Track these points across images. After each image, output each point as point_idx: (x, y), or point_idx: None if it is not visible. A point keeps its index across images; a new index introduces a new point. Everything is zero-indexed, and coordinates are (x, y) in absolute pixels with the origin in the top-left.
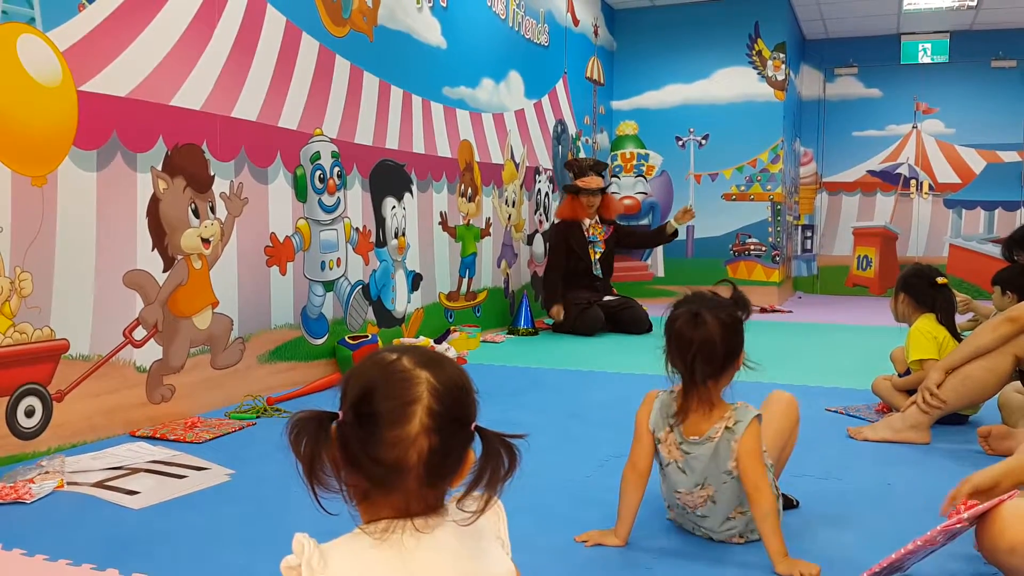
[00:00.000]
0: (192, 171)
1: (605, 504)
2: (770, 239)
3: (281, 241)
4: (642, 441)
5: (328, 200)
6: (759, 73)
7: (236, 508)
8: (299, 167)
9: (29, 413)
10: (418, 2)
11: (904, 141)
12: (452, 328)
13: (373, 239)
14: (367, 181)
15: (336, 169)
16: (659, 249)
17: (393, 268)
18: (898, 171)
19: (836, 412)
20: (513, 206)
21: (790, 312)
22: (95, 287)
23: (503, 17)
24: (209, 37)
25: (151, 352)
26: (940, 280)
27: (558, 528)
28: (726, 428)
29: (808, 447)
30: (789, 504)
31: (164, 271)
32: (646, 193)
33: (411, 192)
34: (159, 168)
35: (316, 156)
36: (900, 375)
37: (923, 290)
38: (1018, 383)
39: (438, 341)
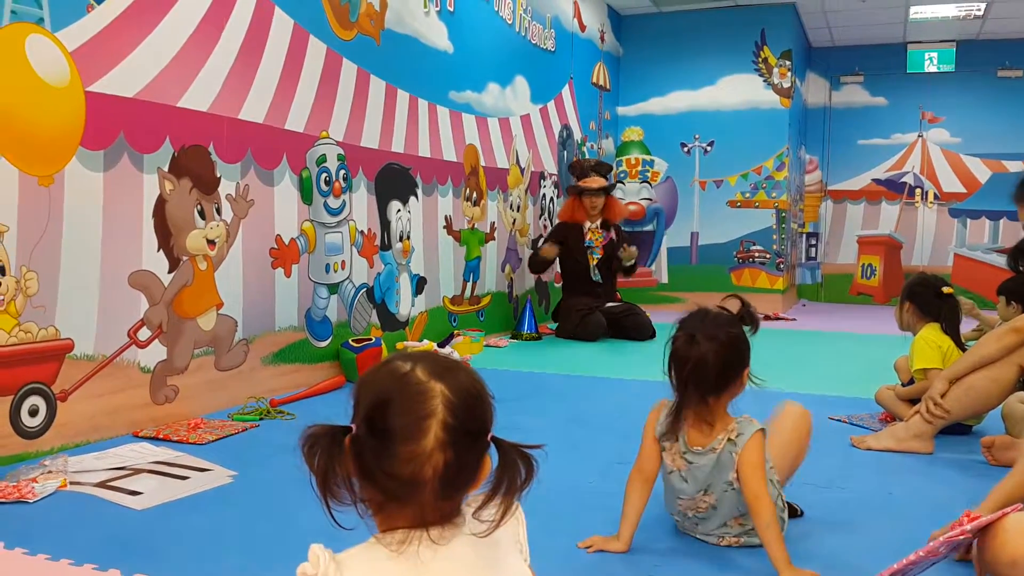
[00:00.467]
0: (198, 172)
1: (608, 510)
2: (775, 247)
3: (286, 243)
4: (648, 447)
5: (333, 203)
6: (765, 80)
7: (238, 510)
8: (305, 169)
9: (33, 412)
10: (425, 6)
11: (909, 150)
12: (456, 332)
13: (378, 242)
14: (372, 184)
15: (342, 172)
16: (663, 255)
17: (397, 271)
18: (903, 180)
19: (840, 421)
20: (518, 211)
21: (794, 320)
22: (100, 287)
23: (510, 22)
24: (217, 39)
25: (155, 353)
26: (946, 290)
27: (561, 533)
28: (728, 440)
29: (811, 456)
30: (793, 513)
31: (169, 272)
32: (651, 199)
33: (416, 196)
34: (165, 169)
35: (322, 159)
36: (904, 384)
37: (929, 299)
38: (1022, 393)
39: (441, 345)
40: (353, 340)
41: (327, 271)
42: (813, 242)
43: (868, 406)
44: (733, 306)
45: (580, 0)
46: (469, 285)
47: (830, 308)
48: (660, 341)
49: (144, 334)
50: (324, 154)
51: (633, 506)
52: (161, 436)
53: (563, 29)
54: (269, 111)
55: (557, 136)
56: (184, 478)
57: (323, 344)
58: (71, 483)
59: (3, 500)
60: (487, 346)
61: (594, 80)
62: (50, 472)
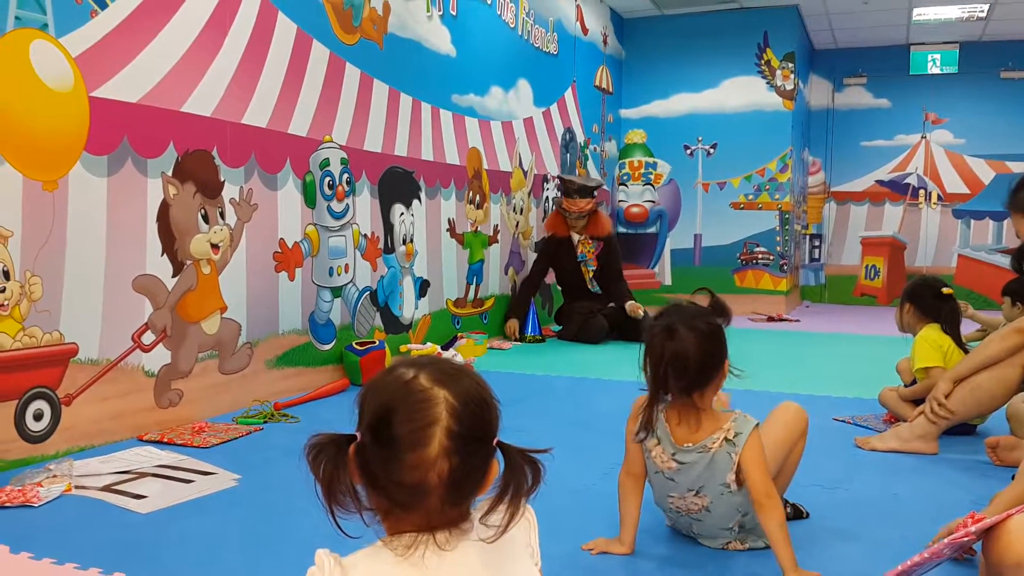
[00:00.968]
0: (202, 177)
1: (611, 512)
2: (778, 248)
3: (290, 247)
4: (633, 448)
5: (337, 206)
6: (768, 82)
7: (242, 513)
8: (308, 173)
9: (38, 417)
10: (428, 10)
11: (913, 151)
12: (459, 335)
13: (381, 245)
14: (376, 188)
15: (345, 176)
16: (667, 257)
17: (401, 274)
18: (907, 181)
19: (844, 422)
20: (521, 213)
21: (797, 321)
22: (104, 291)
23: (512, 26)
24: (220, 44)
25: (159, 357)
26: (946, 291)
27: (564, 536)
28: (725, 439)
29: (815, 457)
30: (799, 514)
31: (173, 276)
32: (654, 201)
33: (419, 199)
34: (169, 174)
35: (325, 163)
36: (906, 385)
37: (929, 301)
38: None
39: (445, 348)
40: (357, 343)
41: (331, 274)
42: (816, 243)
43: (872, 407)
44: (703, 301)
45: (583, 3)
46: (472, 288)
47: (834, 309)
48: None
49: (148, 338)
50: (327, 158)
51: (630, 508)
52: (165, 440)
53: (566, 32)
54: (273, 115)
55: (560, 139)
56: (188, 482)
57: (327, 347)
58: (76, 487)
59: (8, 504)
60: (490, 348)
61: (597, 83)
62: (55, 476)
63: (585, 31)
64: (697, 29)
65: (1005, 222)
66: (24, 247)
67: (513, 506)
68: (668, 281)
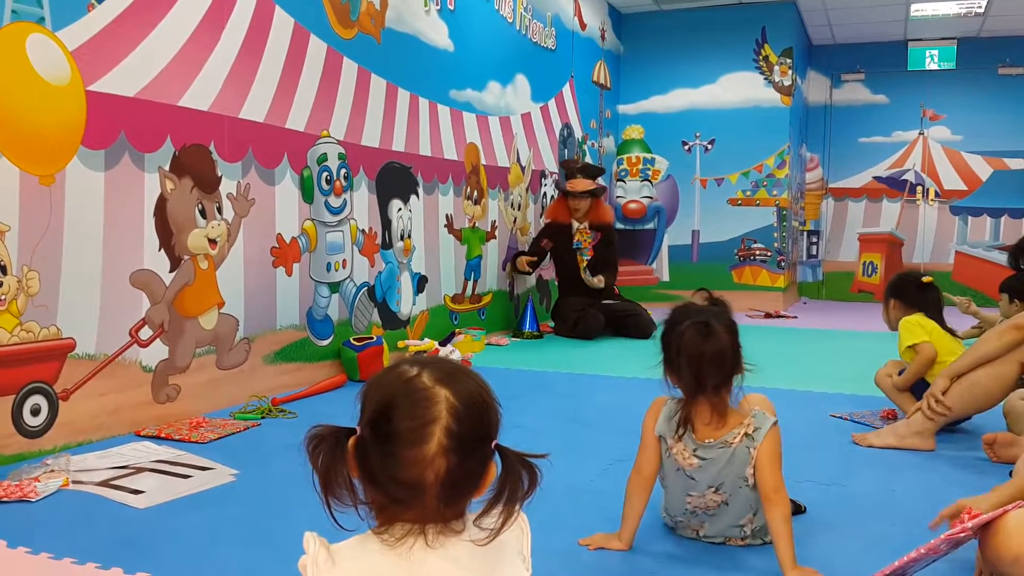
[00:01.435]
0: (199, 171)
1: (608, 508)
2: (776, 244)
3: (287, 242)
4: (648, 447)
5: (334, 202)
6: (766, 78)
7: (240, 508)
8: (306, 168)
9: (35, 412)
10: (426, 5)
11: (911, 147)
12: (457, 331)
13: (379, 241)
14: (373, 183)
15: (343, 171)
16: (664, 253)
17: (399, 270)
18: (904, 177)
19: (841, 418)
20: (519, 209)
21: (795, 318)
22: (102, 286)
23: (510, 20)
24: (217, 38)
25: (157, 352)
26: (926, 279)
27: (561, 532)
28: (745, 435)
29: (812, 453)
30: (797, 509)
31: (171, 271)
32: (652, 197)
33: (417, 194)
34: (166, 168)
35: (323, 158)
36: (898, 373)
37: (912, 292)
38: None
39: (443, 343)
40: (354, 339)
41: (328, 270)
42: (814, 240)
43: (869, 403)
44: (701, 300)
45: None
46: (470, 284)
47: (831, 306)
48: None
49: (146, 333)
50: (325, 153)
51: (634, 507)
52: (163, 435)
53: (564, 27)
54: (270, 110)
55: (558, 134)
56: (186, 477)
57: (324, 343)
58: (73, 482)
59: (6, 499)
60: (488, 345)
61: (595, 78)
62: (52, 471)
63: (583, 26)
64: (695, 24)
65: (1002, 218)
66: (21, 242)
67: (507, 510)
68: (666, 277)
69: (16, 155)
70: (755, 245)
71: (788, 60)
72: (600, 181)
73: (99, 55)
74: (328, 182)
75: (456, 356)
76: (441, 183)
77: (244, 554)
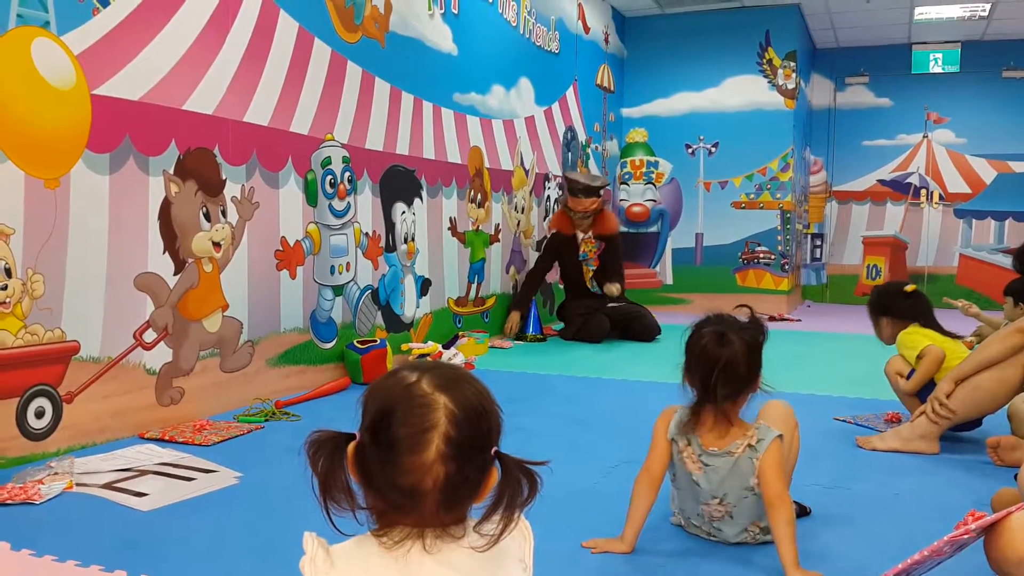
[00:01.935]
0: (204, 175)
1: (612, 511)
2: (779, 247)
3: (291, 245)
4: (658, 448)
5: (338, 205)
6: (769, 81)
7: (244, 511)
8: (310, 172)
9: (39, 414)
10: (430, 9)
11: (915, 151)
12: (460, 333)
13: (383, 244)
14: (377, 186)
15: (347, 174)
16: (668, 256)
17: (402, 273)
18: (908, 180)
19: (845, 421)
20: (522, 212)
21: (799, 321)
22: (106, 289)
23: (514, 24)
24: (222, 42)
25: (161, 355)
26: (909, 288)
27: (565, 535)
28: (748, 446)
29: (816, 456)
30: (802, 512)
31: (175, 274)
32: (655, 200)
33: (421, 197)
34: (171, 171)
35: (327, 161)
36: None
37: (900, 305)
38: None
39: (446, 346)
40: (358, 341)
41: (332, 273)
42: (818, 243)
43: (873, 407)
44: (743, 316)
45: (584, 2)
46: (474, 286)
47: (835, 309)
48: (665, 341)
49: (150, 336)
50: (329, 156)
51: (639, 509)
52: (167, 438)
53: (567, 31)
54: (274, 113)
55: (561, 138)
56: (190, 479)
57: (328, 346)
58: (77, 484)
59: (10, 501)
60: (492, 347)
61: (598, 82)
62: (56, 474)
63: (587, 30)
64: (699, 28)
65: (1007, 222)
66: (26, 245)
67: (507, 516)
68: (669, 280)
69: (21, 158)
70: (759, 248)
71: (792, 63)
72: (604, 191)
73: (104, 59)
74: (332, 185)
75: (459, 359)
76: (445, 186)
77: (247, 557)
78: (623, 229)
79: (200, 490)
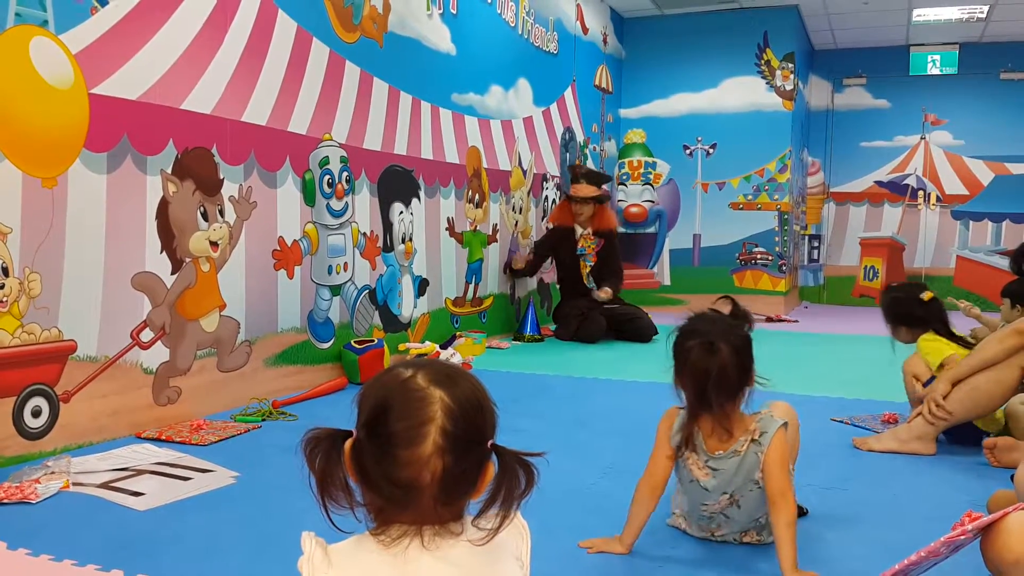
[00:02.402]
0: (202, 174)
1: (609, 511)
2: (777, 248)
3: (289, 245)
4: (661, 455)
5: (336, 205)
6: (767, 83)
7: (241, 510)
8: (308, 171)
9: (36, 413)
10: (428, 9)
11: (912, 152)
12: (458, 333)
13: (380, 244)
14: (375, 186)
15: (344, 174)
16: (665, 258)
17: (400, 273)
18: (906, 182)
19: (842, 422)
20: (520, 213)
21: (796, 322)
22: (103, 289)
23: (512, 25)
24: (220, 42)
25: (158, 354)
26: (926, 296)
27: (562, 535)
28: (752, 440)
29: (813, 457)
30: (800, 512)
31: (172, 273)
32: (653, 201)
33: (419, 197)
34: (169, 171)
35: (325, 161)
36: (924, 384)
37: (916, 314)
38: None
39: (444, 346)
40: (355, 341)
41: (329, 273)
42: (815, 244)
43: (870, 407)
44: (725, 307)
45: (583, 2)
46: (471, 287)
47: (832, 310)
48: (660, 342)
49: (147, 335)
50: (327, 156)
51: (639, 515)
52: (163, 437)
53: (566, 31)
54: (272, 113)
55: (559, 138)
56: (186, 479)
57: (325, 346)
58: (74, 484)
59: (6, 501)
60: (489, 348)
61: (596, 82)
62: (53, 473)
63: (585, 30)
64: (697, 29)
65: (1004, 223)
66: (23, 244)
67: (505, 509)
68: (667, 281)
69: (19, 157)
70: (756, 249)
71: (790, 64)
72: (605, 188)
73: (102, 58)
74: (330, 185)
75: (457, 359)
76: (443, 186)
77: (244, 556)
78: (621, 230)
79: (197, 490)
